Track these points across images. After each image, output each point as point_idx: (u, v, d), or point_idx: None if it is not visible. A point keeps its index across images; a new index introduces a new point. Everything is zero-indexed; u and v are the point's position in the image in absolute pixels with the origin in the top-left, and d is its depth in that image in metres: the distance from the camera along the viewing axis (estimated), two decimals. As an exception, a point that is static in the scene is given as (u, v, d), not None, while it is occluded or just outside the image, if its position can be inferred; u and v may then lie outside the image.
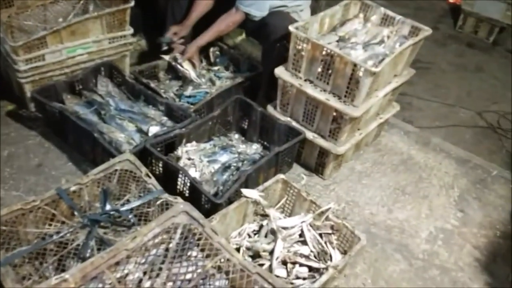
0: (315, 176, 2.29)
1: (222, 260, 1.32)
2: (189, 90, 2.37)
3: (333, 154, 2.13)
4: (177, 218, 1.38)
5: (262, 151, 2.23)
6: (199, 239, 1.35)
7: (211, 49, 2.61)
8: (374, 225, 2.10)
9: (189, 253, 1.35)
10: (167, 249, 1.35)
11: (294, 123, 2.20)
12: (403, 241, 2.05)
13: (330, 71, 1.99)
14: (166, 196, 1.63)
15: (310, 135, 2.17)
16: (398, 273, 1.92)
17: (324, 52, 1.97)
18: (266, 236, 1.81)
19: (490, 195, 2.34)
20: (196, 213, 1.39)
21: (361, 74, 1.89)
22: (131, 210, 1.62)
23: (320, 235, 1.82)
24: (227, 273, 1.31)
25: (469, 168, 2.49)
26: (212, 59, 2.60)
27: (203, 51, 2.61)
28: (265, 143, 2.29)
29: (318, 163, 2.25)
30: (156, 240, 1.35)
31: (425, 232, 2.10)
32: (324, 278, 1.61)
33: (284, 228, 1.82)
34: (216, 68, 2.57)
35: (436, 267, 1.96)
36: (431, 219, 2.16)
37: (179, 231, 1.37)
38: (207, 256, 1.33)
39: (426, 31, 2.14)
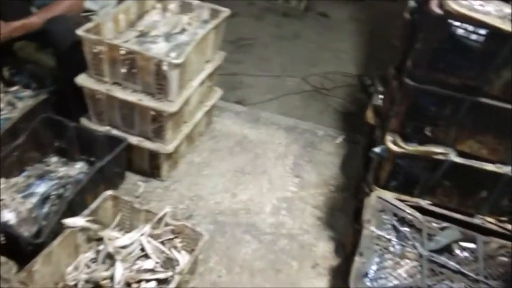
0: (153, 180, 2.18)
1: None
2: (-18, 121, 2.04)
3: (164, 154, 2.05)
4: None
5: (88, 168, 2.04)
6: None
7: (5, 68, 2.27)
8: (221, 213, 2.08)
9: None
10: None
11: (114, 131, 2.05)
12: (250, 220, 2.07)
13: (135, 70, 1.87)
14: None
15: (134, 140, 2.03)
16: (251, 253, 1.94)
17: (123, 51, 1.84)
18: (104, 262, 1.67)
19: (319, 155, 2.48)
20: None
21: (165, 68, 1.80)
22: None
23: (163, 242, 1.74)
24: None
25: (298, 134, 2.61)
26: (7, 78, 2.26)
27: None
28: (91, 159, 2.09)
29: (152, 166, 2.14)
30: None
31: (268, 206, 2.15)
32: (171, 286, 1.55)
33: (123, 247, 1.70)
34: (14, 88, 2.24)
35: (284, 237, 2.02)
36: (272, 192, 2.22)
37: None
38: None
39: (225, 12, 2.13)
